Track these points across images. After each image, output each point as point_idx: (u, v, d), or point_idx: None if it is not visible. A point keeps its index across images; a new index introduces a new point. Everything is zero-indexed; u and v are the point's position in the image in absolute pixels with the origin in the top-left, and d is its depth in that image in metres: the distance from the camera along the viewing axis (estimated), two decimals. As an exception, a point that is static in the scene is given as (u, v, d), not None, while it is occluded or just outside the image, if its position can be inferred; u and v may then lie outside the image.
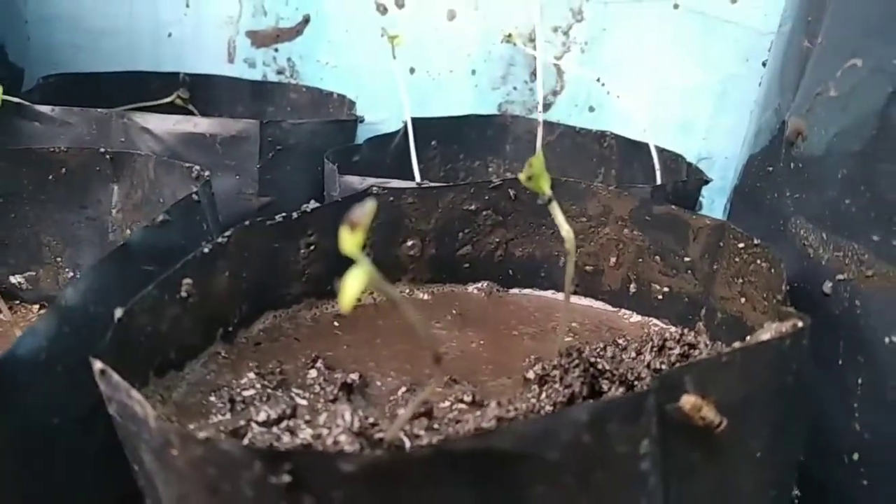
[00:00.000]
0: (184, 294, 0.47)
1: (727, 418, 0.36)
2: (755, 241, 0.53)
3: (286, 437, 0.41)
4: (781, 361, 0.40)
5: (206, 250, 0.49)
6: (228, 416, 0.44)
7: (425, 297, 0.65)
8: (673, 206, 0.60)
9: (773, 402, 0.40)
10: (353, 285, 0.29)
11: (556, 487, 0.33)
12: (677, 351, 0.51)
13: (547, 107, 1.00)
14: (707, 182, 0.78)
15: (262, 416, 0.43)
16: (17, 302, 0.68)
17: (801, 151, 0.57)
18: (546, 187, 0.42)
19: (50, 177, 0.65)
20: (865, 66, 0.50)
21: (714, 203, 0.97)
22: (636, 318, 0.63)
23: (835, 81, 0.52)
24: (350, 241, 0.29)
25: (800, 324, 0.42)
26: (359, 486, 0.31)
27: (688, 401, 0.36)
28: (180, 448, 0.33)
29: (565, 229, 0.43)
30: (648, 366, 0.50)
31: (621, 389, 0.48)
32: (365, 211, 0.28)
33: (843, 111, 0.52)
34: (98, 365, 0.36)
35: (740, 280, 0.55)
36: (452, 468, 0.31)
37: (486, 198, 0.64)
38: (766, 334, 0.43)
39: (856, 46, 0.51)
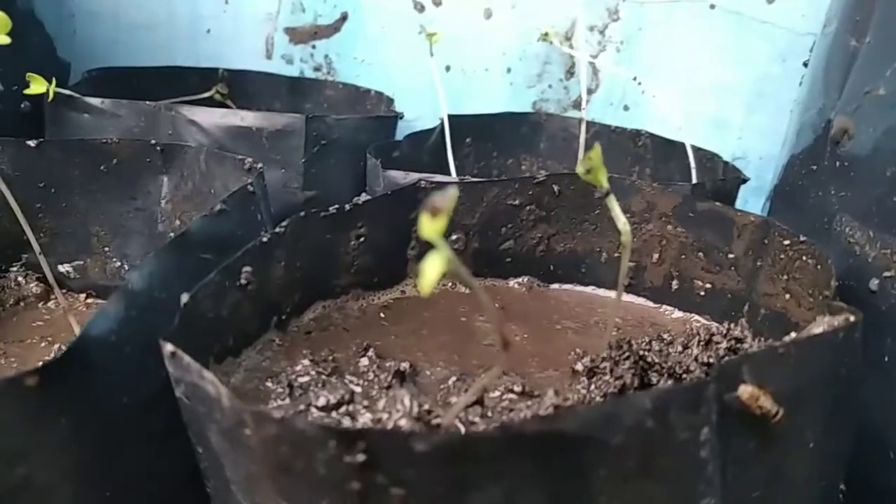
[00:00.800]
0: (243, 281, 0.48)
1: (783, 409, 0.37)
2: (801, 238, 0.54)
3: (346, 421, 0.42)
4: (834, 354, 0.41)
5: (264, 239, 0.50)
6: (287, 400, 0.45)
7: (467, 290, 0.65)
8: (717, 203, 0.60)
9: (826, 395, 0.41)
10: (433, 270, 0.30)
11: (618, 472, 0.34)
12: (724, 345, 0.51)
13: (584, 106, 1.00)
14: (745, 181, 0.79)
15: (321, 401, 0.44)
16: (64, 291, 0.69)
17: (847, 150, 0.57)
18: (604, 180, 0.43)
19: (101, 167, 0.67)
20: (916, 65, 0.50)
21: (748, 203, 0.97)
22: (678, 314, 0.63)
23: (884, 80, 0.53)
24: (431, 226, 0.30)
25: (852, 318, 0.42)
26: (430, 466, 0.32)
27: (746, 390, 0.36)
28: (254, 427, 0.34)
29: (622, 222, 0.44)
30: (696, 359, 0.50)
31: (670, 382, 0.49)
32: (447, 196, 0.29)
33: (892, 109, 0.52)
34: (169, 347, 0.37)
35: (785, 276, 0.55)
36: (519, 450, 0.32)
37: (530, 193, 0.64)
38: (818, 328, 0.43)
39: (906, 46, 0.51)
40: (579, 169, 0.43)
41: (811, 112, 0.66)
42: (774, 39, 0.94)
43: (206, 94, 1.00)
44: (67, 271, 0.70)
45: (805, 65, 0.90)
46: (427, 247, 0.31)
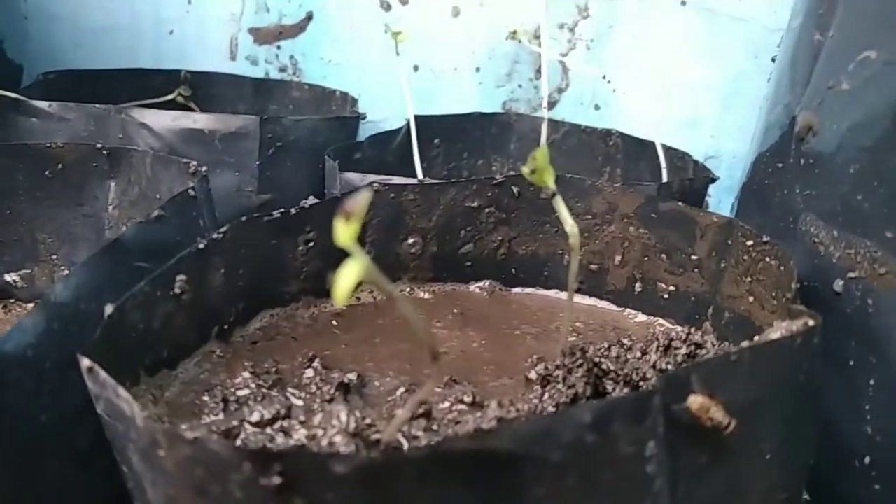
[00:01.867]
0: (177, 291, 0.46)
1: (736, 419, 0.35)
2: (764, 239, 0.52)
3: (280, 438, 0.40)
4: (792, 361, 0.39)
5: (200, 246, 0.48)
6: (221, 416, 0.43)
7: (426, 296, 0.63)
8: (680, 203, 0.58)
9: (784, 403, 0.39)
10: (348, 279, 0.28)
11: (558, 490, 0.32)
12: (683, 351, 0.50)
13: (552, 105, 0.99)
14: (714, 180, 0.77)
15: (255, 417, 0.42)
16: (12, 300, 0.66)
17: (811, 147, 0.55)
18: (550, 181, 0.41)
19: (46, 173, 0.64)
20: (879, 58, 0.49)
21: (721, 202, 0.96)
22: (642, 317, 0.61)
23: (847, 75, 0.51)
24: (345, 232, 0.28)
25: (811, 322, 0.40)
26: (352, 489, 0.30)
27: (695, 401, 0.34)
28: (168, 448, 0.32)
29: (570, 224, 0.42)
30: (654, 366, 0.48)
31: (626, 390, 0.47)
32: (360, 201, 0.27)
33: (856, 104, 0.50)
34: (86, 362, 0.35)
35: (749, 279, 0.53)
36: (450, 470, 0.30)
37: (489, 195, 0.62)
38: (776, 333, 0.42)
39: (869, 38, 0.50)
40: (524, 170, 0.41)
41: (777, 108, 0.64)
42: (747, 35, 0.93)
43: (169, 97, 0.97)
44: (14, 280, 0.67)
45: (773, 60, 0.88)
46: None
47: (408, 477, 0.30)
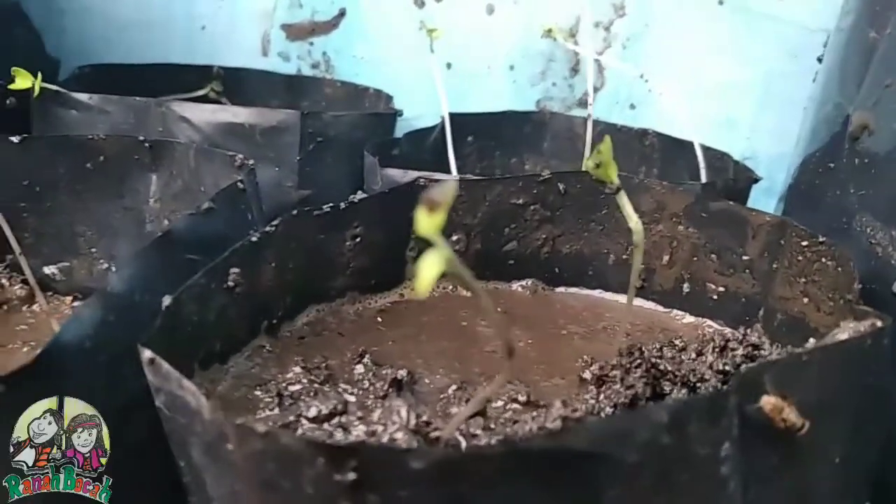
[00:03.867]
0: (231, 284, 0.46)
1: (807, 421, 0.34)
2: (820, 239, 0.51)
3: (339, 434, 0.40)
4: (861, 362, 0.38)
5: (253, 239, 0.47)
6: (277, 411, 0.42)
7: (468, 293, 0.63)
8: (731, 203, 0.57)
9: (853, 405, 0.38)
10: (431, 269, 0.27)
11: (632, 491, 0.31)
12: (741, 352, 0.49)
13: (587, 104, 0.98)
14: (757, 180, 0.76)
15: (312, 412, 0.41)
16: (50, 293, 0.66)
17: (866, 146, 0.54)
18: (614, 175, 0.40)
19: (87, 165, 0.64)
20: (942, 55, 0.48)
21: (759, 204, 0.94)
22: (689, 319, 0.60)
23: (907, 73, 0.50)
24: (429, 222, 0.27)
25: (879, 323, 0.40)
26: (426, 485, 0.29)
27: (768, 402, 0.34)
28: (237, 442, 0.31)
29: (634, 220, 0.41)
30: (711, 367, 0.47)
31: (684, 391, 0.46)
32: (446, 190, 0.27)
33: (917, 103, 0.49)
34: (147, 353, 0.35)
35: (803, 279, 0.52)
36: (524, 468, 0.29)
37: (535, 192, 0.62)
38: (843, 334, 0.41)
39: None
40: (588, 163, 0.40)
41: (827, 108, 0.63)
42: (785, 35, 0.91)
43: (201, 93, 0.97)
44: (53, 273, 0.67)
45: (819, 60, 0.87)
46: (426, 247, 0.29)
47: (482, 474, 0.29)
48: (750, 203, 0.91)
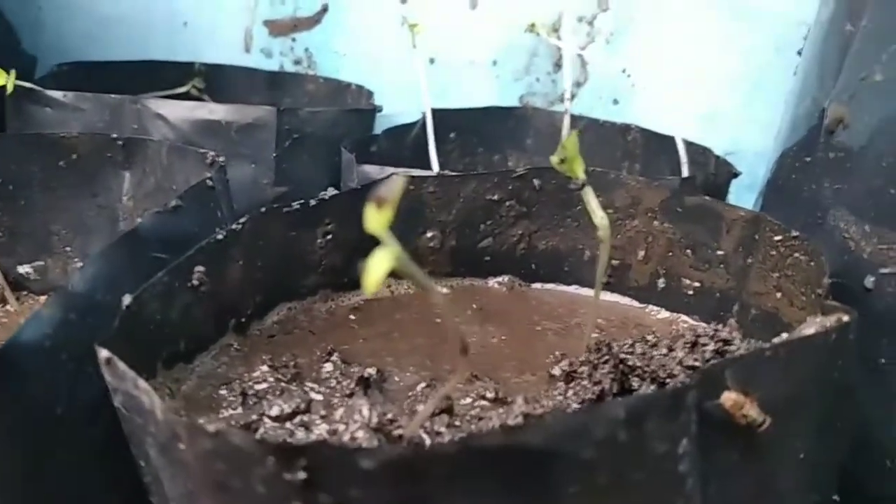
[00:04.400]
0: (195, 282, 0.45)
1: (770, 417, 0.34)
2: (793, 234, 0.51)
3: (300, 433, 0.39)
4: (827, 357, 0.38)
5: (219, 237, 0.47)
6: (240, 409, 0.42)
7: (444, 290, 0.62)
8: (706, 197, 0.57)
9: (818, 401, 0.38)
10: (379, 267, 0.27)
11: (589, 488, 0.31)
12: (711, 347, 0.48)
13: (570, 99, 0.97)
14: (736, 175, 0.76)
15: (274, 411, 0.41)
16: (25, 293, 0.66)
17: (841, 140, 0.54)
18: (580, 171, 0.40)
19: (60, 163, 0.64)
20: (914, 48, 0.47)
21: (742, 200, 0.94)
22: (664, 314, 0.60)
23: (881, 65, 0.50)
24: (376, 219, 0.26)
25: (845, 318, 0.39)
26: (379, 485, 0.29)
27: (729, 398, 0.33)
28: (188, 441, 0.31)
29: (599, 216, 0.41)
30: (681, 363, 0.47)
31: (653, 387, 0.46)
32: (393, 187, 0.26)
33: (890, 95, 0.49)
34: (104, 353, 0.35)
35: (776, 274, 0.52)
36: (479, 466, 0.29)
37: (510, 188, 0.61)
38: (809, 329, 0.40)
39: (904, 27, 0.48)
40: (553, 159, 0.40)
41: (805, 102, 0.62)
42: (769, 29, 0.91)
43: (182, 89, 0.97)
44: (27, 272, 0.66)
45: (799, 53, 0.87)
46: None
47: (435, 473, 0.29)
48: (732, 198, 0.91)
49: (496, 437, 0.30)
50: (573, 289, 0.64)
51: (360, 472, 0.28)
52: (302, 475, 0.28)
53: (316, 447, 0.30)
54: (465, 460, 0.29)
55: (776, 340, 0.39)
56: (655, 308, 0.61)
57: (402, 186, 0.27)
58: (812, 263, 0.48)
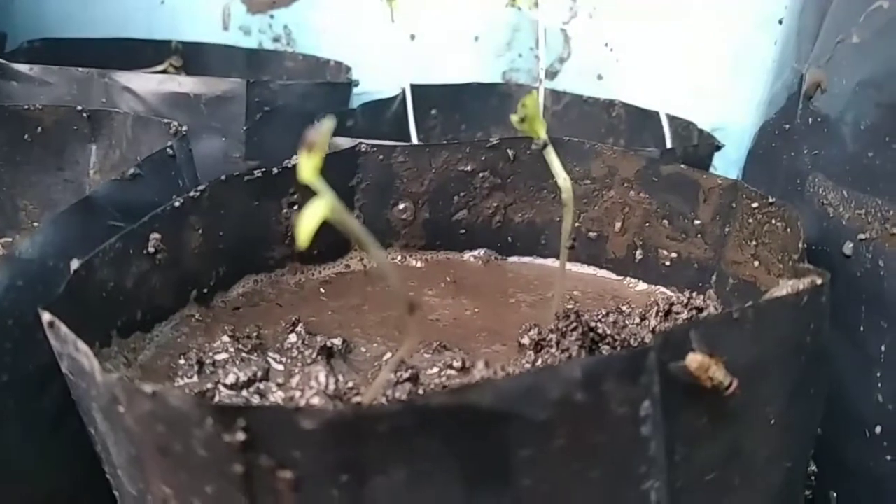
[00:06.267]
0: (151, 249, 0.44)
1: (738, 380, 0.33)
2: (770, 200, 0.50)
3: (255, 400, 0.38)
4: (799, 320, 0.36)
5: (176, 204, 0.46)
6: (196, 378, 0.41)
7: (419, 264, 0.61)
8: (682, 166, 0.56)
9: (790, 365, 0.36)
10: (312, 218, 0.25)
11: (545, 451, 0.30)
12: (685, 315, 0.47)
13: (553, 75, 0.96)
14: (719, 147, 0.74)
15: (230, 379, 0.40)
16: (-7, 270, 0.64)
17: (819, 105, 0.53)
18: (541, 130, 0.38)
19: (25, 136, 0.62)
20: (892, 7, 0.46)
21: (725, 173, 0.93)
22: (642, 286, 0.59)
23: (857, 27, 0.48)
24: (308, 165, 0.25)
25: (818, 280, 0.38)
26: (320, 446, 0.28)
27: (694, 359, 0.32)
28: (127, 404, 0.30)
29: (562, 177, 0.40)
30: (653, 331, 0.46)
31: (623, 355, 0.44)
32: (322, 128, 0.25)
33: (867, 58, 0.48)
34: (46, 316, 0.33)
35: (754, 242, 0.51)
36: (427, 428, 0.28)
37: (483, 158, 0.60)
38: (781, 291, 0.39)
39: (881, -14, 0.47)
40: (513, 118, 0.38)
41: (785, 72, 0.61)
42: (754, 3, 0.89)
43: (160, 68, 0.95)
44: (-5, 248, 0.65)
45: (780, 22, 0.85)
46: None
47: (380, 434, 0.28)
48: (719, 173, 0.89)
49: (442, 398, 0.29)
50: (550, 261, 0.62)
51: (301, 432, 0.27)
52: (241, 436, 0.27)
53: (254, 408, 0.29)
54: (409, 421, 0.28)
55: (747, 303, 0.38)
56: (633, 280, 0.59)
57: (330, 128, 0.25)
58: (789, 230, 0.47)
